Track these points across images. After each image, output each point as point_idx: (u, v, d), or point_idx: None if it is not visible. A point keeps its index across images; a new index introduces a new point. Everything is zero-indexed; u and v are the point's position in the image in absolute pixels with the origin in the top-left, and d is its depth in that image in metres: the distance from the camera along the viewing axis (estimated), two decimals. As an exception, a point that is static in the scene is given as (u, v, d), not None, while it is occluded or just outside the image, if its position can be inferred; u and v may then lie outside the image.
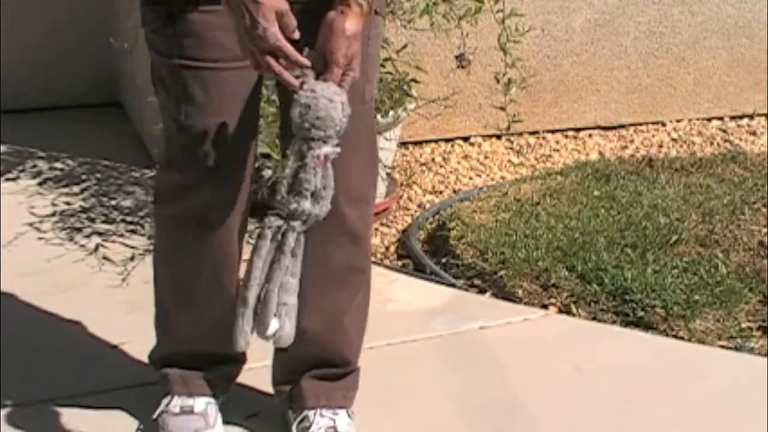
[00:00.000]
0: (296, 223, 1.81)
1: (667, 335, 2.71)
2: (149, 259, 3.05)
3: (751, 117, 4.33)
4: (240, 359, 2.26)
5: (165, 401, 2.23)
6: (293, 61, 1.75)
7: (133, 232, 3.24)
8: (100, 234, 3.23)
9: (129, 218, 3.33)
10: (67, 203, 3.45)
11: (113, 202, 3.45)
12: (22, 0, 4.23)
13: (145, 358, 2.53)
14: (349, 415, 2.20)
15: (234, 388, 2.33)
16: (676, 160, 3.81)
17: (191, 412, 2.19)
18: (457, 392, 2.38)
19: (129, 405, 2.37)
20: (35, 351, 2.58)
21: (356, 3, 1.72)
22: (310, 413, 2.17)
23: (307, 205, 1.80)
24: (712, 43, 4.24)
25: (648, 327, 2.74)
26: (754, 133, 4.19)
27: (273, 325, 1.83)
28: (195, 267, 2.10)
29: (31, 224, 3.30)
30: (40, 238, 3.21)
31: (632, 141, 4.09)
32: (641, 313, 2.77)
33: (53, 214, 3.36)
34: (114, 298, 2.86)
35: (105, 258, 3.07)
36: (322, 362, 2.18)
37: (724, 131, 4.21)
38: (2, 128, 3.99)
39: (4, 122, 4.06)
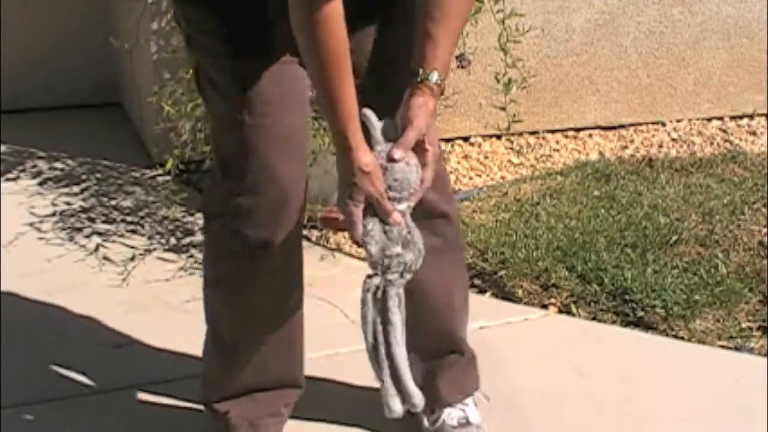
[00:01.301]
0: (393, 276, 1.82)
1: (667, 335, 2.71)
2: (149, 259, 3.07)
3: (751, 117, 4.33)
4: (299, 386, 2.19)
5: None
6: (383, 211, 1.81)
7: (134, 232, 3.25)
8: (100, 234, 3.23)
9: (129, 218, 3.34)
10: (67, 203, 3.45)
11: (113, 202, 3.45)
12: (23, 0, 4.24)
13: (145, 358, 2.54)
14: (475, 402, 2.23)
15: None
16: (676, 160, 3.81)
17: None
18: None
19: (129, 405, 2.37)
20: (35, 351, 2.58)
21: (428, 86, 1.81)
22: (447, 409, 2.19)
23: (398, 249, 1.82)
24: (712, 43, 4.24)
25: (648, 327, 2.74)
26: (754, 133, 4.19)
27: (416, 393, 1.82)
28: (259, 283, 2.03)
29: (31, 224, 3.30)
30: (41, 238, 3.21)
31: (632, 141, 4.09)
32: (641, 313, 2.77)
33: (53, 214, 3.36)
34: (114, 298, 2.86)
35: (105, 258, 3.07)
36: (446, 350, 2.19)
37: (724, 131, 4.21)
38: (2, 128, 3.99)
39: (4, 122, 4.06)
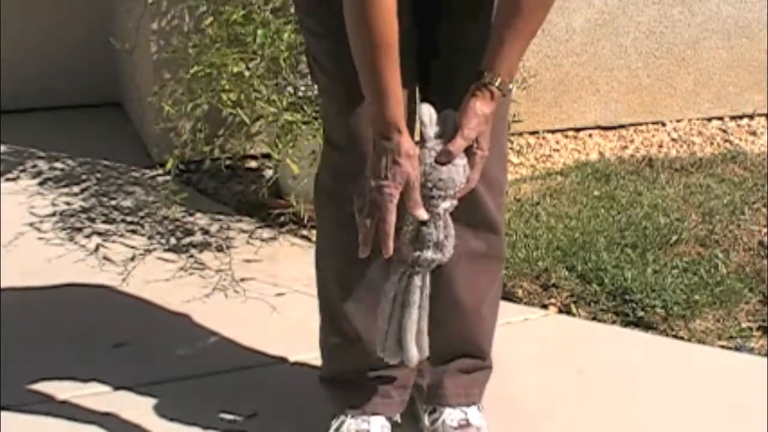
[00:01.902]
0: (420, 269, 1.87)
1: (667, 335, 2.71)
2: (149, 259, 3.07)
3: (751, 117, 4.33)
4: (412, 369, 2.16)
5: (335, 424, 2.18)
6: (383, 233, 1.83)
7: (134, 232, 3.25)
8: (100, 234, 3.23)
9: (129, 218, 3.34)
10: (67, 203, 3.45)
11: (113, 202, 3.45)
12: (23, 1, 4.24)
13: (145, 359, 2.54)
14: (479, 409, 2.23)
15: (270, 392, 2.34)
16: (676, 160, 3.81)
17: None
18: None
19: (129, 405, 2.37)
20: (35, 351, 2.58)
21: (489, 90, 1.84)
22: (448, 409, 2.20)
23: (429, 254, 1.86)
24: (712, 43, 4.24)
25: (648, 327, 2.74)
26: (754, 133, 4.19)
27: (413, 351, 1.91)
28: (367, 260, 2.02)
29: (31, 224, 3.30)
30: (41, 238, 3.21)
31: (632, 141, 4.09)
32: (641, 313, 2.77)
33: (53, 214, 3.36)
34: (114, 298, 2.86)
35: (105, 258, 3.07)
36: (461, 353, 2.19)
37: (724, 131, 4.21)
38: (2, 128, 3.99)
39: (4, 122, 4.06)
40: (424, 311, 1.90)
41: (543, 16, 1.88)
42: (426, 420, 2.22)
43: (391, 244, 1.83)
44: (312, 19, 1.98)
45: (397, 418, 2.23)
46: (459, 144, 1.84)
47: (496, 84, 1.84)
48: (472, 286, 2.13)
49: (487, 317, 2.20)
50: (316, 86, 2.10)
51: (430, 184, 1.84)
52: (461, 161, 1.85)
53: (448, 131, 1.86)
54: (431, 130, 1.86)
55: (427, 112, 1.87)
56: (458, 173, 1.85)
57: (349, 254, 1.96)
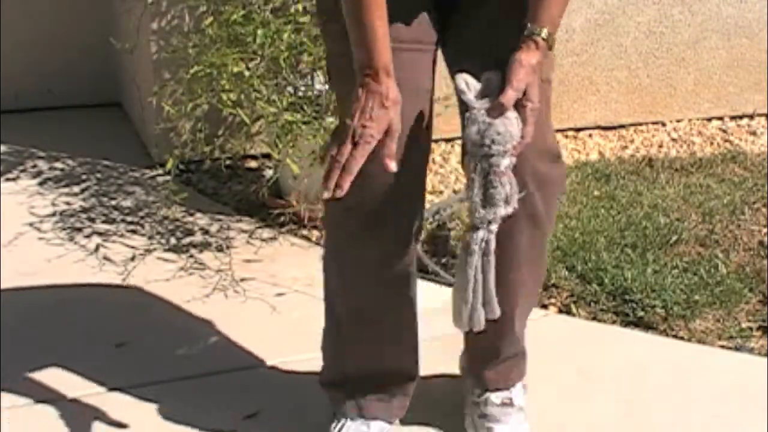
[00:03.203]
0: (494, 227, 1.91)
1: (667, 335, 2.71)
2: (149, 259, 3.07)
3: (751, 117, 4.33)
4: (412, 377, 2.22)
5: (336, 427, 2.19)
6: (348, 170, 1.82)
7: (134, 232, 3.25)
8: (100, 234, 3.23)
9: (129, 218, 3.34)
10: (67, 203, 3.45)
11: (113, 202, 3.45)
12: (23, 0, 4.24)
13: (145, 359, 2.54)
14: (523, 386, 2.29)
15: (269, 391, 2.34)
16: (676, 160, 3.81)
17: None
18: (457, 392, 2.37)
19: (129, 406, 2.37)
20: (35, 351, 2.58)
21: (533, 41, 1.87)
22: (490, 393, 2.25)
23: (501, 211, 1.90)
24: (712, 43, 4.24)
25: (648, 327, 2.74)
26: (754, 133, 4.19)
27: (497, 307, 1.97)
28: (369, 267, 2.06)
29: (31, 224, 3.30)
30: (41, 238, 3.21)
31: (632, 141, 4.09)
32: (641, 313, 2.77)
33: (53, 214, 3.36)
34: (114, 298, 2.86)
35: (105, 258, 3.07)
36: (499, 350, 2.22)
37: (724, 131, 4.21)
38: (2, 128, 3.99)
39: (4, 122, 4.06)
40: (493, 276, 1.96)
41: None
42: (473, 396, 2.27)
43: (348, 183, 1.80)
44: (337, 25, 1.94)
45: (396, 422, 2.23)
46: (510, 95, 1.85)
47: (541, 34, 1.87)
48: (511, 282, 2.13)
49: (522, 315, 2.23)
50: (333, 93, 2.10)
51: (488, 141, 1.85)
52: (513, 114, 1.86)
53: (493, 91, 1.87)
54: (471, 95, 1.87)
55: (461, 80, 1.88)
56: (512, 125, 1.86)
57: (356, 262, 2.01)
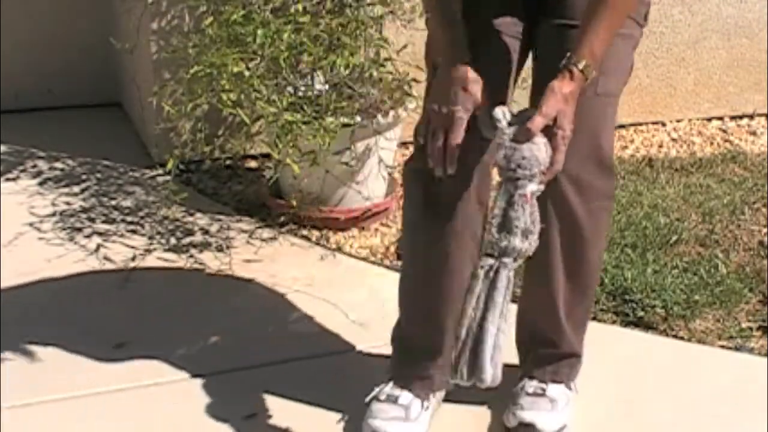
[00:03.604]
0: (508, 260, 1.91)
1: (667, 335, 2.71)
2: (150, 259, 3.07)
3: (751, 117, 4.33)
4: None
5: (378, 388, 2.28)
6: (451, 150, 1.96)
7: (134, 232, 3.24)
8: (100, 234, 3.23)
9: (129, 218, 3.34)
10: (67, 203, 3.45)
11: (113, 202, 3.45)
12: (23, 0, 4.24)
13: (145, 359, 2.54)
14: (570, 388, 2.33)
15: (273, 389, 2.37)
16: (676, 160, 3.81)
17: (395, 401, 2.25)
18: (457, 392, 2.37)
19: (129, 406, 2.37)
20: (35, 351, 2.58)
21: (570, 71, 1.94)
22: (527, 379, 2.30)
23: (517, 242, 1.90)
24: (712, 43, 4.24)
25: (648, 327, 2.74)
26: (754, 133, 4.19)
27: (488, 370, 1.92)
28: (431, 254, 2.16)
29: (31, 224, 3.30)
30: (41, 238, 3.21)
31: (632, 141, 4.09)
32: (641, 313, 2.77)
33: (53, 214, 3.36)
34: (114, 298, 2.86)
35: (105, 258, 3.07)
36: (546, 341, 2.30)
37: (724, 131, 4.21)
38: (2, 128, 3.99)
39: (4, 122, 4.06)
40: (504, 324, 1.93)
41: (629, 6, 1.99)
42: (517, 386, 2.31)
43: (454, 162, 1.95)
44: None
45: (431, 399, 2.28)
46: (538, 121, 1.91)
47: (578, 66, 1.92)
48: (561, 285, 2.22)
49: (577, 317, 2.30)
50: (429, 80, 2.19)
51: (513, 165, 1.88)
52: (542, 140, 1.89)
53: (525, 121, 1.91)
54: (504, 122, 1.91)
55: (499, 111, 1.93)
56: (540, 150, 1.89)
57: (431, 234, 2.12)
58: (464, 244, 2.12)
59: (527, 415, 2.23)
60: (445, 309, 2.17)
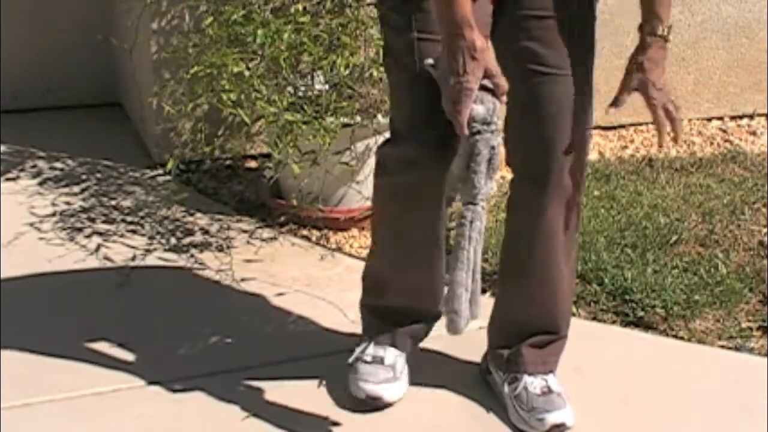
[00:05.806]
0: (484, 204, 2.03)
1: (667, 335, 2.71)
2: (150, 259, 3.07)
3: (751, 117, 4.33)
4: (433, 319, 2.41)
5: (360, 348, 2.39)
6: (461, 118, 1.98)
7: (134, 232, 3.25)
8: (100, 234, 3.23)
9: (129, 218, 3.34)
10: (67, 203, 3.45)
11: (113, 202, 3.45)
12: (23, 0, 4.24)
13: (145, 359, 2.54)
14: (554, 375, 2.37)
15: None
16: (676, 160, 3.81)
17: (381, 362, 2.35)
18: (457, 392, 2.38)
19: (129, 405, 2.37)
20: (35, 351, 2.58)
21: (665, 40, 2.36)
22: (527, 377, 2.33)
23: (493, 186, 2.03)
24: (712, 43, 4.24)
25: (648, 327, 2.74)
26: (754, 133, 4.19)
27: (481, 304, 2.11)
28: (408, 231, 2.28)
29: (31, 224, 3.30)
30: (41, 238, 3.21)
31: (632, 141, 4.09)
32: (641, 313, 2.77)
33: (53, 214, 3.36)
34: (114, 298, 2.86)
35: (106, 258, 3.07)
36: (540, 330, 2.34)
37: (724, 131, 4.21)
38: (2, 128, 3.99)
39: (4, 122, 4.06)
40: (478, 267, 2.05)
41: None
42: (506, 389, 2.34)
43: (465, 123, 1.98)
44: (397, 15, 2.12)
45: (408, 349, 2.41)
46: (655, 94, 2.45)
47: (667, 31, 2.28)
48: (554, 266, 2.29)
49: (565, 297, 2.36)
50: (389, 83, 2.26)
51: (496, 118, 2.00)
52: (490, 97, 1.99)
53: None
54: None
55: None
56: (498, 104, 2.00)
57: (399, 218, 2.25)
58: (439, 204, 2.23)
59: (553, 417, 2.27)
60: (432, 268, 2.30)
